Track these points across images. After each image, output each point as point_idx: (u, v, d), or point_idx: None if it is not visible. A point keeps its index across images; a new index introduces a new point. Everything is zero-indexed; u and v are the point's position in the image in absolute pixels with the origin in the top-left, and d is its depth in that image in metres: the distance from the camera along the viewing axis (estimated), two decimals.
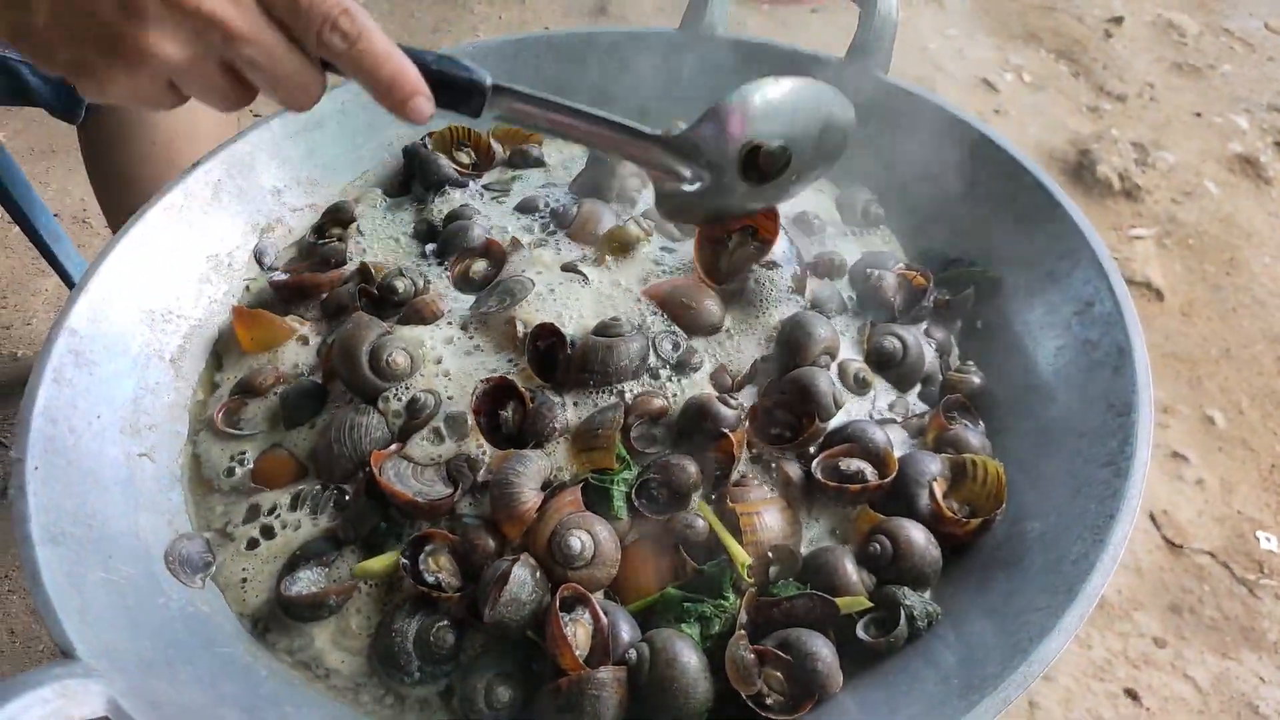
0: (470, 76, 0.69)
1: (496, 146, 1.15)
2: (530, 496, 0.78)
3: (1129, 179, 2.51)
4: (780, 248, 0.94)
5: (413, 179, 1.13)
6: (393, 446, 0.84)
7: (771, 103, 0.82)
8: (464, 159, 1.12)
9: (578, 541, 0.74)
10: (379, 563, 0.79)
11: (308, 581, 0.80)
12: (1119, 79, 2.97)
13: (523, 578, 0.73)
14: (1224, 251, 2.50)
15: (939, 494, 0.79)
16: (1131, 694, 1.59)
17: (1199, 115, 2.95)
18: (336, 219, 1.09)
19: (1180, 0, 3.39)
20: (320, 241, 1.07)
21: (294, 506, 0.84)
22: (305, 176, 1.13)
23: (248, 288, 1.05)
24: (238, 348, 0.97)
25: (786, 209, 1.05)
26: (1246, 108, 2.96)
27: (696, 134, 0.81)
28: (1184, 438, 1.99)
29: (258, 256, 1.07)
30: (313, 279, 1.00)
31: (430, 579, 0.76)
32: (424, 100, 0.66)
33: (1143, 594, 1.73)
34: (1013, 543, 0.77)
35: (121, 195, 1.46)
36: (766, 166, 0.83)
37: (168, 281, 0.98)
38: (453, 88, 0.68)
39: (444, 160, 1.09)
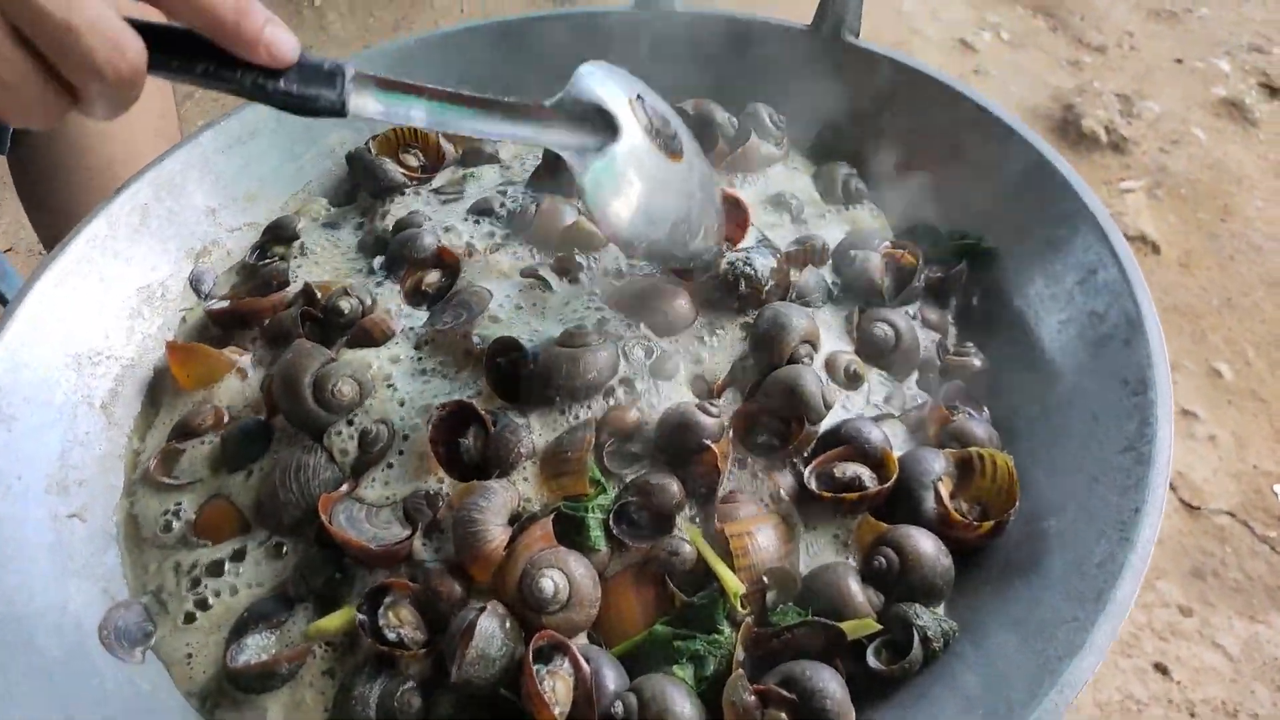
0: (326, 59, 0.60)
1: (447, 146, 1.07)
2: (496, 533, 0.70)
3: (1115, 131, 2.44)
4: (751, 239, 0.87)
5: (359, 187, 1.05)
6: (343, 488, 0.77)
7: (632, 77, 0.79)
8: (412, 161, 1.04)
9: (550, 583, 0.67)
10: (334, 621, 0.71)
11: (256, 648, 0.72)
12: (1097, 30, 2.90)
13: (490, 630, 0.65)
14: (1216, 199, 2.43)
15: (945, 495, 0.72)
16: (1161, 668, 1.52)
17: (1180, 61, 2.87)
18: (278, 237, 1.01)
19: None
20: (261, 262, 0.99)
21: (239, 561, 0.77)
22: (242, 193, 1.05)
23: (184, 319, 0.97)
24: (175, 386, 0.90)
25: (758, 192, 0.98)
26: (1227, 50, 2.89)
27: (576, 88, 0.74)
28: (1192, 394, 1.92)
29: (194, 284, 0.99)
30: (252, 304, 0.93)
31: (391, 635, 0.69)
32: (282, 30, 0.56)
33: (1164, 561, 1.66)
34: (1030, 544, 0.70)
35: (62, 229, 1.38)
36: (660, 124, 0.77)
37: (95, 320, 0.91)
38: (307, 68, 0.58)
39: (390, 164, 1.01)
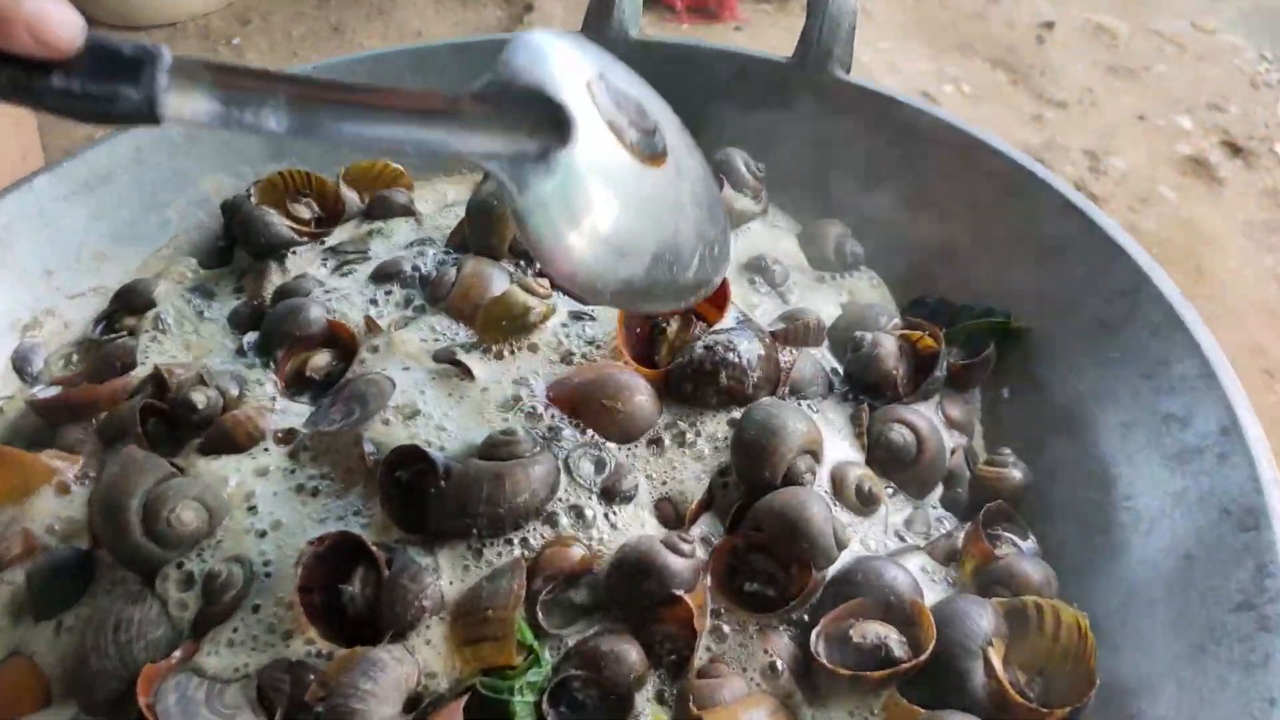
0: (132, 43, 0.39)
1: (349, 194, 0.87)
2: None
3: (1085, 189, 2.34)
4: (731, 318, 0.69)
5: (236, 244, 0.85)
6: (177, 653, 0.56)
7: (594, 47, 0.54)
8: (303, 213, 0.84)
9: None
10: None
11: None
12: (1056, 85, 2.83)
13: None
14: (1188, 259, 2.33)
15: (999, 666, 0.53)
16: None
17: (1142, 118, 2.81)
18: (129, 305, 0.81)
19: (1106, 2, 3.29)
20: (105, 338, 0.79)
21: None
22: (89, 250, 0.84)
23: (1, 410, 0.75)
24: None
25: (732, 256, 0.79)
26: (1187, 108, 2.84)
27: (507, 67, 0.48)
28: None
29: (18, 364, 0.78)
30: (86, 393, 0.72)
31: None
32: (56, 5, 0.37)
33: None
34: None
35: None
36: (634, 116, 0.52)
37: None
38: (100, 55, 0.38)
39: (275, 216, 0.82)
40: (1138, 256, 0.67)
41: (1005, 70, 2.78)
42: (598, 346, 0.68)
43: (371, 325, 0.72)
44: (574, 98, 0.49)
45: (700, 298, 0.57)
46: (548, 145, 0.48)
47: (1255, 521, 0.53)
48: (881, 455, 0.64)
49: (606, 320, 0.70)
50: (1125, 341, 0.66)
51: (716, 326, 0.67)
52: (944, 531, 0.63)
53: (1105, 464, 0.64)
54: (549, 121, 0.48)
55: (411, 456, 0.60)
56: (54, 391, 0.73)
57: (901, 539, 0.62)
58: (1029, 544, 0.63)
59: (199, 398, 0.66)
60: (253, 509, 0.61)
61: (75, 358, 0.80)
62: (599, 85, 0.51)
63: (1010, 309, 0.74)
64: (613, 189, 0.50)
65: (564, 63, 0.50)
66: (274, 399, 0.69)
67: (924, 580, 0.59)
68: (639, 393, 0.63)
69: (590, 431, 0.63)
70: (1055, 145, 2.49)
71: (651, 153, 0.52)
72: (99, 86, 0.37)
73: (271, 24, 2.63)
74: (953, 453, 0.67)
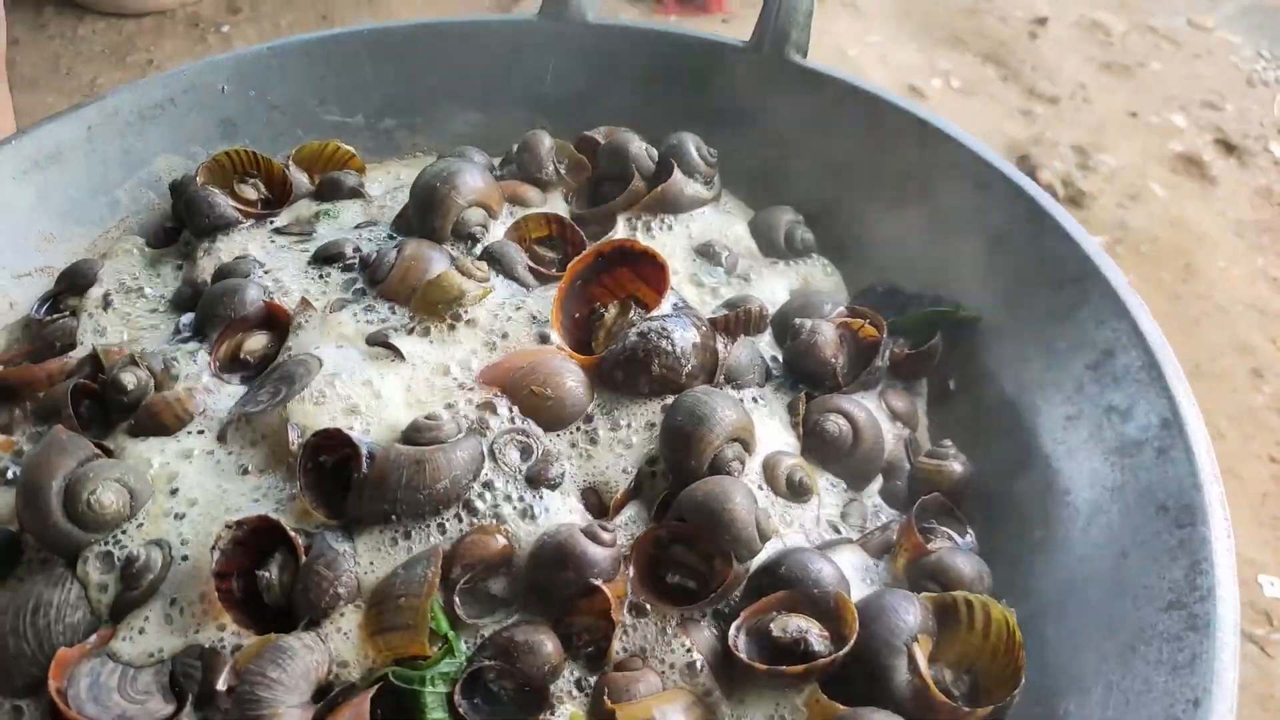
0: None
1: (299, 176, 0.86)
2: (291, 717, 0.49)
3: (1072, 184, 2.32)
4: (668, 305, 0.67)
5: (183, 226, 0.84)
6: (92, 638, 0.55)
7: None
8: (249, 193, 0.83)
9: None
10: None
11: None
12: (1049, 81, 2.81)
13: None
14: (1178, 257, 2.32)
15: (923, 662, 0.52)
16: None
17: (1134, 115, 2.79)
18: (74, 286, 0.79)
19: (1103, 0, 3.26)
20: (49, 318, 0.77)
21: None
22: (36, 231, 0.83)
23: None
24: None
25: (681, 241, 0.78)
26: (1181, 105, 2.82)
27: None
28: None
29: None
30: (24, 373, 0.71)
31: None
32: None
33: None
34: None
35: None
36: None
37: None
38: None
39: (220, 197, 0.80)
40: (1085, 245, 0.65)
41: (996, 65, 2.76)
42: (535, 319, 0.67)
43: (306, 305, 0.70)
44: None
45: None
46: None
47: (1191, 518, 0.52)
48: (817, 445, 0.63)
49: (537, 305, 0.69)
50: (1071, 331, 0.64)
51: (654, 313, 0.66)
52: (879, 524, 0.62)
53: (1047, 457, 0.63)
54: None
55: (335, 440, 0.59)
56: None
57: (836, 531, 0.61)
58: (967, 539, 0.62)
59: (129, 379, 0.65)
60: (175, 492, 0.60)
61: (18, 338, 0.78)
62: None
63: (960, 298, 0.72)
64: None
65: None
66: (206, 380, 0.67)
67: (856, 574, 0.58)
68: (570, 378, 0.62)
69: (519, 417, 0.61)
70: (1044, 140, 2.47)
71: None
72: None
73: (260, 12, 2.62)
74: (893, 439, 0.66)
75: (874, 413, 0.65)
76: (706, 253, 0.78)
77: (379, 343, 0.66)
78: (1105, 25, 3.09)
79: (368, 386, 0.64)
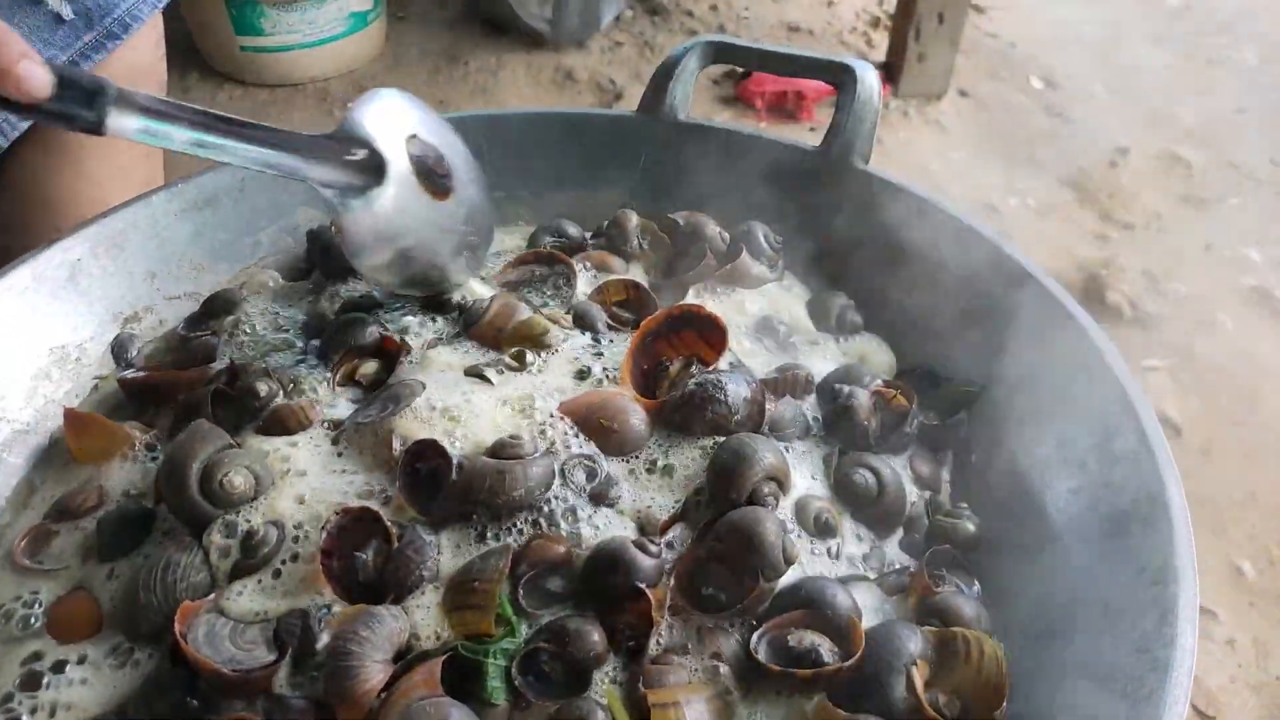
0: (92, 77, 0.61)
1: None
2: (374, 672, 0.58)
3: (1140, 307, 2.36)
4: (724, 363, 0.77)
5: (314, 266, 0.97)
6: (210, 596, 0.65)
7: (422, 110, 0.81)
8: None
9: None
10: None
11: None
12: (1125, 209, 2.87)
13: None
14: (1243, 388, 2.33)
15: (919, 683, 0.59)
16: None
17: (1209, 247, 2.83)
18: (215, 309, 0.92)
19: (1186, 134, 3.33)
20: (192, 335, 0.90)
21: (82, 667, 0.65)
22: (189, 260, 0.97)
23: (96, 386, 0.87)
24: (66, 459, 0.79)
25: (744, 313, 0.88)
26: (1257, 241, 2.85)
27: (350, 121, 0.74)
28: (1211, 591, 1.77)
29: (116, 350, 0.90)
30: (169, 376, 0.83)
31: None
32: (37, 67, 0.57)
33: None
34: None
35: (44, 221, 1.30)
36: (434, 164, 0.79)
37: None
38: (69, 86, 0.59)
39: None
40: (1100, 344, 0.73)
41: (1074, 189, 2.84)
42: (610, 378, 0.78)
43: (405, 344, 0.82)
44: (392, 150, 0.75)
45: (455, 286, 0.86)
46: (368, 183, 0.74)
47: (1164, 578, 0.59)
48: (845, 494, 0.71)
49: (618, 352, 0.79)
50: (1080, 417, 0.72)
51: (712, 367, 0.76)
52: (896, 568, 0.70)
53: (1050, 523, 0.70)
54: (372, 165, 0.74)
55: (431, 450, 0.69)
56: (140, 374, 0.85)
57: (856, 569, 0.69)
58: (973, 589, 0.69)
59: (261, 386, 0.77)
60: (293, 482, 0.71)
61: (164, 349, 0.91)
62: (413, 141, 0.78)
63: (987, 379, 0.81)
64: (407, 217, 0.78)
65: (391, 121, 0.76)
66: (330, 395, 0.79)
67: (869, 607, 0.66)
68: (634, 416, 0.72)
69: (589, 444, 0.71)
70: (1114, 264, 2.52)
71: (442, 190, 0.81)
72: (65, 107, 0.60)
73: None
74: (914, 503, 0.74)
75: (899, 471, 0.73)
76: (765, 325, 0.88)
77: (475, 374, 0.77)
78: (1186, 159, 3.16)
79: (462, 409, 0.74)
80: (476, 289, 0.86)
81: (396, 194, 0.76)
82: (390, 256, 0.79)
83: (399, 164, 0.76)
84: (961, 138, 2.89)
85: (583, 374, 0.77)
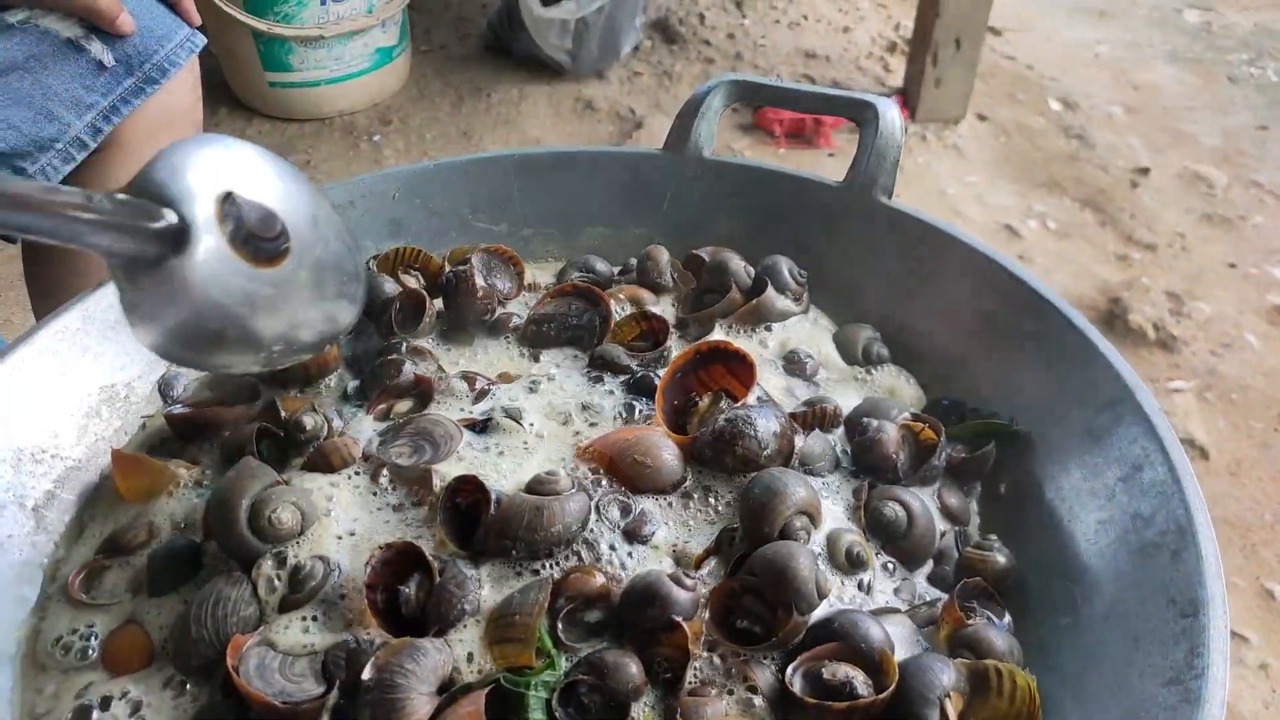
0: None
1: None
2: (420, 705, 0.60)
3: (1164, 329, 2.36)
4: (753, 398, 0.79)
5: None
6: (260, 630, 0.67)
7: (248, 159, 0.63)
8: (411, 283, 0.98)
9: None
10: None
11: None
12: (1148, 229, 2.86)
13: None
14: (1270, 408, 2.32)
15: (953, 715, 0.60)
16: None
17: (1233, 266, 2.82)
18: None
19: (1207, 153, 3.32)
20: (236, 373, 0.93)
21: (134, 700, 0.67)
22: None
23: (144, 425, 0.90)
24: (115, 496, 0.82)
25: (771, 348, 0.90)
26: None
27: (146, 177, 0.57)
28: (1241, 614, 1.77)
29: (163, 389, 0.93)
30: (214, 414, 0.86)
31: None
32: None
33: None
34: None
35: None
36: (258, 227, 0.60)
37: (46, 416, 0.84)
38: None
39: (389, 284, 0.96)
40: (1125, 375, 0.74)
41: (1094, 210, 2.84)
42: (637, 407, 0.80)
43: (442, 372, 0.84)
44: (199, 211, 0.56)
45: (314, 351, 0.70)
46: (164, 253, 0.55)
47: (1194, 610, 0.60)
48: (875, 527, 0.73)
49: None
50: (1107, 449, 0.73)
51: (741, 403, 0.78)
52: (926, 600, 0.71)
53: (1079, 555, 0.71)
54: (169, 233, 0.55)
55: (470, 485, 0.72)
56: (186, 410, 0.87)
57: (887, 602, 0.70)
58: (1004, 620, 0.70)
59: (308, 421, 0.80)
60: (336, 516, 0.73)
61: (208, 386, 0.94)
62: (230, 201, 0.58)
63: (1013, 414, 0.82)
64: (221, 294, 0.58)
65: (199, 177, 0.58)
66: (370, 433, 0.81)
67: (901, 639, 0.67)
68: (666, 452, 0.74)
69: (619, 483, 0.73)
70: (1137, 285, 2.52)
71: (271, 255, 0.61)
72: None
73: (409, 126, 2.89)
74: (943, 535, 0.75)
75: (928, 504, 0.75)
76: (792, 359, 0.89)
77: (512, 416, 0.79)
78: (1208, 178, 3.15)
79: (497, 448, 0.77)
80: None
81: (204, 265, 0.57)
82: (199, 338, 0.60)
83: (209, 229, 0.57)
84: (980, 161, 2.91)
85: (613, 418, 0.80)
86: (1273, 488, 2.02)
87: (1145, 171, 3.05)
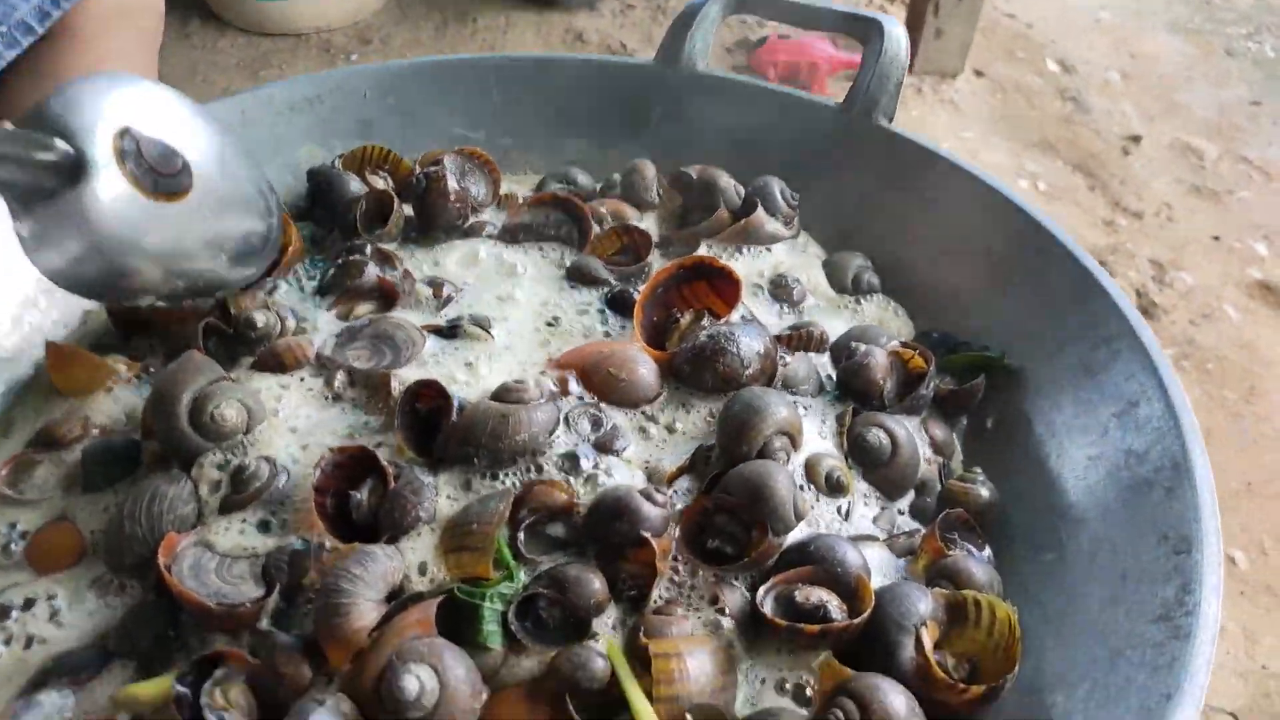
0: None
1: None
2: (365, 611, 0.56)
3: (1146, 295, 2.34)
4: (737, 316, 0.75)
5: (316, 206, 0.94)
6: (197, 529, 0.63)
7: (151, 95, 0.66)
8: (379, 184, 0.93)
9: (413, 682, 0.52)
10: (147, 689, 0.57)
11: (51, 708, 0.57)
12: (1136, 196, 2.84)
13: None
14: (1244, 379, 2.32)
15: (928, 644, 0.57)
16: None
17: (1217, 239, 2.81)
18: None
19: (1199, 125, 3.30)
20: None
21: (61, 599, 0.63)
22: None
23: (85, 319, 0.85)
24: (49, 390, 0.77)
25: (758, 271, 0.86)
26: (1265, 234, 2.83)
27: (42, 109, 0.60)
28: None
29: None
30: (160, 311, 0.80)
31: (212, 718, 0.54)
32: None
33: None
34: None
35: None
36: (157, 162, 0.63)
37: None
38: None
39: (355, 183, 0.90)
40: (1127, 311, 0.71)
41: (1085, 175, 2.81)
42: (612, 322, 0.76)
43: (409, 276, 0.79)
44: (96, 146, 0.60)
45: (222, 289, 0.74)
46: (58, 185, 0.59)
47: (1188, 546, 0.57)
48: (857, 453, 0.69)
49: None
50: (1103, 384, 0.70)
51: (724, 320, 0.74)
52: (906, 530, 0.68)
53: (1067, 491, 0.68)
54: (64, 165, 0.59)
55: (432, 391, 0.67)
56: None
57: (863, 530, 0.67)
58: (984, 553, 0.67)
59: (260, 317, 0.75)
60: (285, 418, 0.68)
61: None
62: (126, 135, 0.62)
63: (1005, 347, 0.78)
64: (111, 223, 0.62)
65: (97, 111, 0.61)
66: (323, 334, 0.76)
67: (878, 567, 0.64)
68: (642, 366, 0.70)
69: (593, 396, 0.69)
70: (1122, 250, 2.50)
71: (171, 190, 0.65)
72: None
73: (390, 47, 2.80)
74: (927, 466, 0.72)
75: (913, 433, 0.71)
76: (779, 284, 0.85)
77: (480, 325, 0.75)
78: (1199, 150, 3.13)
79: (462, 356, 0.72)
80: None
81: (98, 197, 0.61)
82: (95, 270, 0.64)
83: (106, 163, 0.61)
84: (975, 117, 2.86)
85: (586, 333, 0.75)
86: (1240, 457, 2.02)
87: (1137, 139, 3.02)
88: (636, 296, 0.76)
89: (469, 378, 0.71)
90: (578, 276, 0.81)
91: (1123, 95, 3.09)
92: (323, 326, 0.77)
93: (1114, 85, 3.13)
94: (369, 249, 0.83)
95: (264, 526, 0.63)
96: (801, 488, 0.65)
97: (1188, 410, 0.64)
